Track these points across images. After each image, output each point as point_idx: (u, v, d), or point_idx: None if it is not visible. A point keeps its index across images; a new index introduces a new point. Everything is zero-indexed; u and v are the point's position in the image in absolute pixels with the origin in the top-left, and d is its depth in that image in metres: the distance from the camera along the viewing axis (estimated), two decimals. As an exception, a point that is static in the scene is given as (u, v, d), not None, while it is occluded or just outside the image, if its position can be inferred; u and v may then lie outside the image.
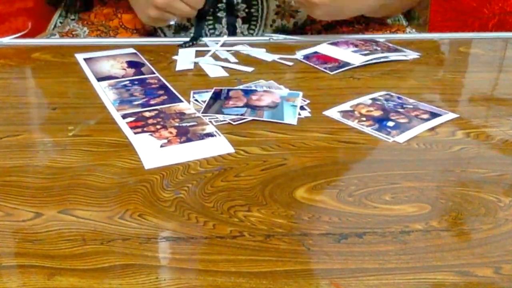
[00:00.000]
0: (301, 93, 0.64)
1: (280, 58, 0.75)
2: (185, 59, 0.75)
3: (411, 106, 0.62)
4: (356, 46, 0.78)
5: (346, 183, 0.49)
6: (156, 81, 0.67)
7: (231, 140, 0.55)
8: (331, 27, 0.90)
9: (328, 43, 0.80)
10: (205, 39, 0.82)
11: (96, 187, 0.48)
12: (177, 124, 0.57)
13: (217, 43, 0.79)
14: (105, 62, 0.72)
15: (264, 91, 0.65)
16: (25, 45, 0.79)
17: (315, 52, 0.77)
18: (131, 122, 0.57)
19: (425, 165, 0.52)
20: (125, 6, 0.85)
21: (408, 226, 0.44)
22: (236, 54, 0.77)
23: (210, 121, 0.58)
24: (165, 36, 0.86)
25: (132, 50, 0.76)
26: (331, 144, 0.55)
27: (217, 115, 0.59)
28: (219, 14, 0.84)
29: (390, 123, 0.58)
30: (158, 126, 0.56)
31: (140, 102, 0.62)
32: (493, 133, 0.58)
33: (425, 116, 0.60)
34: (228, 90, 0.65)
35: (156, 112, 0.59)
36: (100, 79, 0.67)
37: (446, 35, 0.90)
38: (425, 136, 0.57)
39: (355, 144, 0.55)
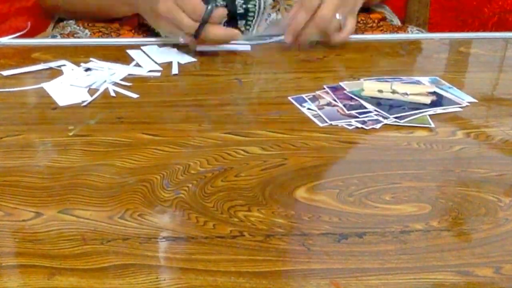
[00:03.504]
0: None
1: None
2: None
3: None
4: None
5: (346, 183, 0.49)
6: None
7: (231, 140, 0.55)
8: None
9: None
10: None
11: (96, 187, 0.48)
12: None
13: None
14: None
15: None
16: (26, 45, 0.79)
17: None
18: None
19: (425, 165, 0.52)
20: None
21: (408, 226, 0.44)
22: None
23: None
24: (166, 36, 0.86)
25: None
26: (331, 144, 0.55)
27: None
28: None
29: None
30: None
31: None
32: (493, 133, 0.58)
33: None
34: None
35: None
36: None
37: (446, 35, 0.90)
38: (425, 136, 0.57)
39: (355, 144, 0.55)
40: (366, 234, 0.43)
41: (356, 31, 0.88)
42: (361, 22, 0.90)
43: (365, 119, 0.59)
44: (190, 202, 0.46)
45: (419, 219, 0.45)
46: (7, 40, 0.80)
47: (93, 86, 0.66)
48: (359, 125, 0.58)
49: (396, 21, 0.98)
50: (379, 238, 0.42)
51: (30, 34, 0.87)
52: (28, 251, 0.41)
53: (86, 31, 0.86)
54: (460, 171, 0.51)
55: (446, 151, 0.54)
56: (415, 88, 0.64)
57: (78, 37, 0.85)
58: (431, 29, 1.18)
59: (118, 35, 0.86)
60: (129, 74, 0.69)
